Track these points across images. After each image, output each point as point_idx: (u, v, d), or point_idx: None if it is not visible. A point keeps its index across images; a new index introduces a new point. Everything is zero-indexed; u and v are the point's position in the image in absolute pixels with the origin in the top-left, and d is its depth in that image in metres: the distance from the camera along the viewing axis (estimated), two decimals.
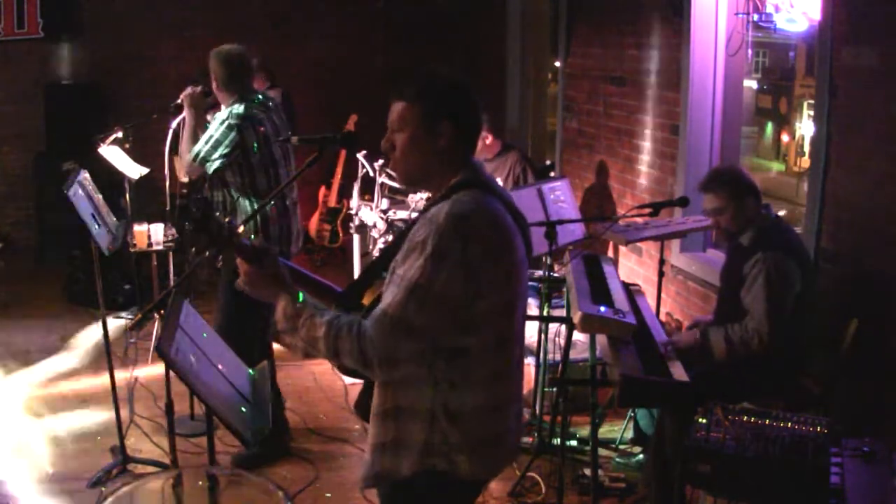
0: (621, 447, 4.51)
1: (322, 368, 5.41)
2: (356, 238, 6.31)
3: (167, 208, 5.63)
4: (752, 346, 3.53)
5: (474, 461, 2.19)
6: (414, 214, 6.10)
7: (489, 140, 5.91)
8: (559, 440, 4.09)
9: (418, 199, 5.91)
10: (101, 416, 4.77)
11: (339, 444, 4.57)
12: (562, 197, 5.11)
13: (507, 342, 2.21)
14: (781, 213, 4.05)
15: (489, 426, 2.20)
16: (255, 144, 4.13)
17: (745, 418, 2.97)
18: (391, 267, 2.15)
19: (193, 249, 2.32)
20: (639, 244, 5.39)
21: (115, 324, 6.18)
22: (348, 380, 4.92)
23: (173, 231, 5.69)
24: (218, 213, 4.25)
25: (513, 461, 2.39)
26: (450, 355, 2.14)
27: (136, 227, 5.85)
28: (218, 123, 4.12)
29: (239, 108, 4.12)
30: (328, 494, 4.08)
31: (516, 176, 5.86)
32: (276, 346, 4.29)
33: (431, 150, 2.20)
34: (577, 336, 4.57)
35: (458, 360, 2.14)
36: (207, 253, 2.27)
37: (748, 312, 3.58)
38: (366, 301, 2.32)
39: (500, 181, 5.87)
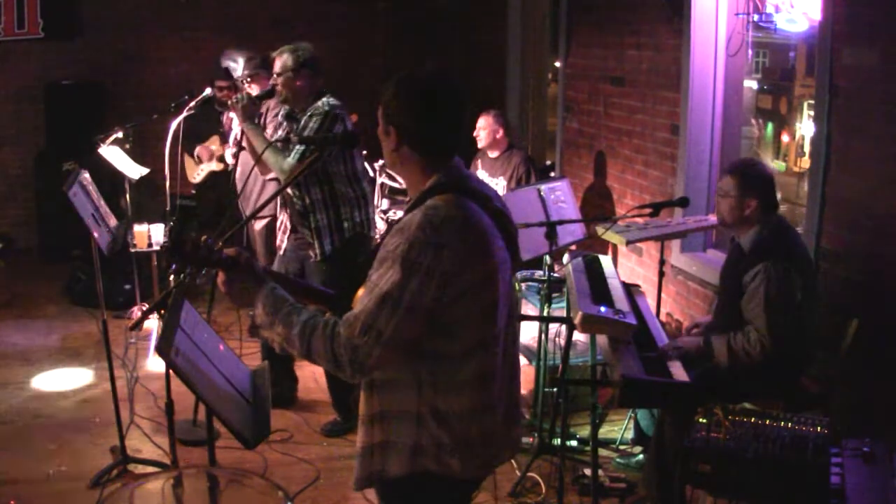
0: (621, 447, 4.51)
1: (323, 370, 5.41)
2: None
3: (167, 208, 5.63)
4: (755, 356, 3.51)
5: (466, 462, 2.19)
6: None
7: (500, 134, 5.93)
8: (559, 440, 4.09)
9: None
10: (101, 416, 4.77)
11: (340, 444, 4.57)
12: (562, 197, 5.10)
13: (492, 343, 2.20)
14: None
15: (480, 427, 2.20)
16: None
17: (745, 418, 2.97)
18: (370, 273, 2.15)
19: (172, 268, 2.35)
20: (639, 244, 5.39)
21: (115, 324, 6.18)
22: None
23: None
24: (312, 213, 4.42)
25: (508, 458, 2.38)
26: (433, 359, 2.14)
27: (136, 227, 5.85)
28: (318, 116, 4.31)
29: (331, 100, 4.38)
30: (328, 494, 4.08)
31: (519, 176, 5.87)
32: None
33: (389, 151, 2.25)
34: (578, 336, 4.57)
35: (441, 364, 2.15)
36: (188, 272, 2.30)
37: (748, 321, 3.57)
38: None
39: (503, 179, 5.88)
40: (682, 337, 3.88)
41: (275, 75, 4.42)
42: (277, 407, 4.63)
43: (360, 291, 2.16)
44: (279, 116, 4.66)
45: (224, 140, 6.27)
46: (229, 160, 6.09)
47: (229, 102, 4.58)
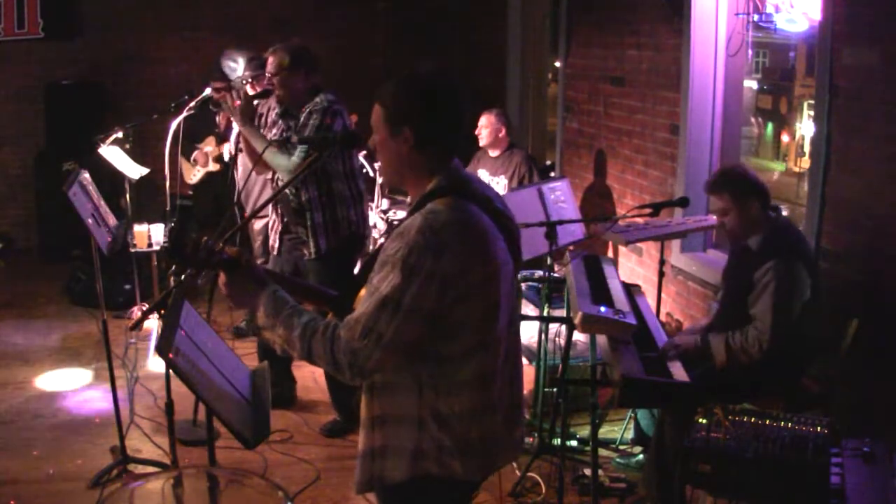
0: (621, 447, 4.51)
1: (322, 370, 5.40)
2: None
3: (167, 208, 5.63)
4: (752, 354, 3.52)
5: (468, 463, 2.19)
6: None
7: (502, 133, 5.93)
8: (559, 440, 4.09)
9: None
10: (100, 416, 4.76)
11: (340, 444, 4.57)
12: (562, 197, 5.11)
13: (493, 344, 2.19)
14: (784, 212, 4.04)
15: (481, 428, 2.19)
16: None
17: (746, 418, 2.97)
18: (371, 276, 2.14)
19: (173, 269, 2.35)
20: (639, 244, 5.39)
21: (115, 324, 6.18)
22: None
23: None
24: (308, 212, 4.41)
25: (511, 459, 2.37)
26: (433, 362, 2.14)
27: (136, 227, 5.86)
28: (317, 113, 4.30)
29: (329, 96, 4.36)
30: (328, 494, 4.08)
31: (521, 175, 5.88)
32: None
33: (398, 154, 2.19)
34: (578, 336, 4.57)
35: (442, 366, 2.14)
36: (188, 274, 2.29)
37: (752, 319, 3.57)
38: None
39: (504, 178, 5.88)
40: (679, 335, 3.88)
41: (269, 75, 4.41)
42: (277, 407, 4.63)
43: (363, 292, 2.16)
44: (275, 114, 4.66)
45: (221, 140, 6.27)
46: (227, 159, 6.10)
47: (225, 103, 4.57)
